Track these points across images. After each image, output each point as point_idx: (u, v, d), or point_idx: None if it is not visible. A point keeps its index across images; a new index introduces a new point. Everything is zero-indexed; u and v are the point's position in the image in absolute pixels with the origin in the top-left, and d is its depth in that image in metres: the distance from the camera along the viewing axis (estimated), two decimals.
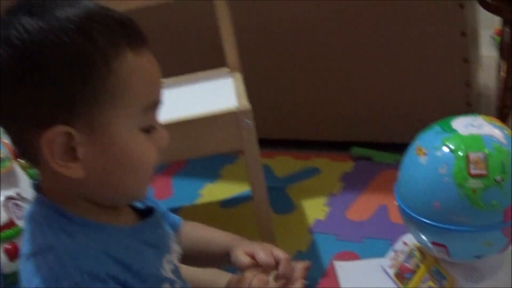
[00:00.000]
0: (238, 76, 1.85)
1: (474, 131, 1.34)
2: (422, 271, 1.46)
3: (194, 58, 2.23)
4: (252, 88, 2.09)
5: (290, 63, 2.13)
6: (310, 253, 1.69)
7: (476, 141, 1.31)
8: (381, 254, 1.58)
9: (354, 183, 1.96)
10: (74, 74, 0.76)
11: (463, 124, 1.37)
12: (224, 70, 1.91)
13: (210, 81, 1.91)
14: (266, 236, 1.68)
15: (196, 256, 1.11)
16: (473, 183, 1.27)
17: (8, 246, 1.74)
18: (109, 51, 0.78)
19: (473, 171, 1.28)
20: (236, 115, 1.57)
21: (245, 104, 1.60)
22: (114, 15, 0.81)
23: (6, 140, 1.87)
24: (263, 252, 1.00)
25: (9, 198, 1.80)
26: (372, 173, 1.97)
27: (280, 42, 2.10)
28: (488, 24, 2.32)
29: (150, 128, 0.84)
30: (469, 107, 1.93)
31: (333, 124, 2.16)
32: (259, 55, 2.15)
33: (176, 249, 0.99)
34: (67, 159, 0.79)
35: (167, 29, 2.25)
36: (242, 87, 1.75)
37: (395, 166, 1.42)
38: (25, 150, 0.83)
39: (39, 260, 0.80)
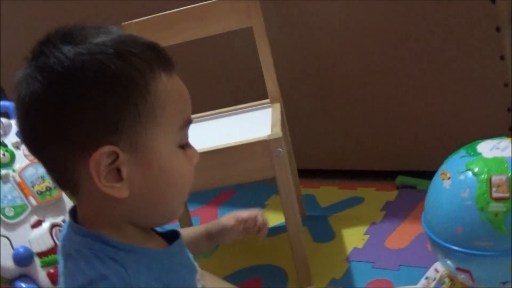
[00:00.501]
0: (277, 106, 1.88)
1: (498, 153, 1.32)
2: None
3: (242, 90, 2.28)
4: (298, 120, 2.13)
5: (335, 93, 2.15)
6: (345, 281, 1.68)
7: (500, 163, 1.30)
8: (415, 281, 1.56)
9: (396, 211, 1.94)
10: (117, 94, 0.79)
11: (489, 147, 1.36)
12: (266, 101, 1.95)
13: (251, 112, 1.96)
14: (300, 264, 1.69)
15: None
16: (495, 207, 1.25)
17: (51, 270, 1.81)
18: (146, 72, 0.81)
19: (495, 194, 1.26)
20: (267, 144, 1.60)
21: (277, 133, 1.62)
22: (143, 40, 0.85)
23: None
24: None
25: (54, 225, 1.88)
26: (415, 202, 1.94)
27: (324, 73, 2.12)
28: None
29: (185, 145, 0.88)
30: None
31: (379, 153, 2.16)
32: (305, 86, 2.18)
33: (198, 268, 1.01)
34: (111, 179, 0.81)
35: (219, 63, 2.31)
36: (278, 117, 1.78)
37: None
38: (64, 178, 0.84)
39: None
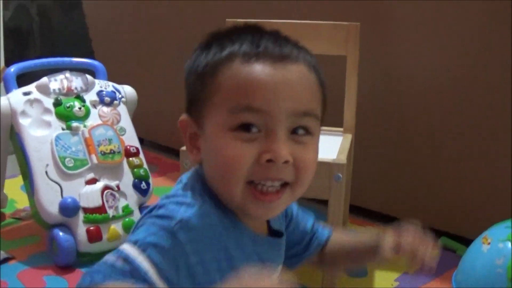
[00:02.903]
0: (348, 137, 2.02)
1: None
2: None
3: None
4: (361, 157, 2.26)
5: (406, 142, 2.32)
6: None
7: None
8: None
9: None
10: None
11: None
12: (339, 129, 2.10)
13: (322, 135, 2.10)
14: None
15: (346, 257, 1.24)
16: None
17: (91, 227, 1.99)
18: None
19: None
20: (329, 166, 1.73)
21: (342, 159, 1.76)
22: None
23: (123, 137, 2.15)
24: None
25: (107, 187, 2.06)
26: (450, 265, 2.03)
27: (400, 119, 2.29)
28: None
29: (245, 131, 0.92)
30: None
31: (429, 210, 2.28)
32: (378, 126, 2.34)
33: None
34: (192, 143, 0.98)
35: None
36: (347, 146, 1.91)
37: None
38: None
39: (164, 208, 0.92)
